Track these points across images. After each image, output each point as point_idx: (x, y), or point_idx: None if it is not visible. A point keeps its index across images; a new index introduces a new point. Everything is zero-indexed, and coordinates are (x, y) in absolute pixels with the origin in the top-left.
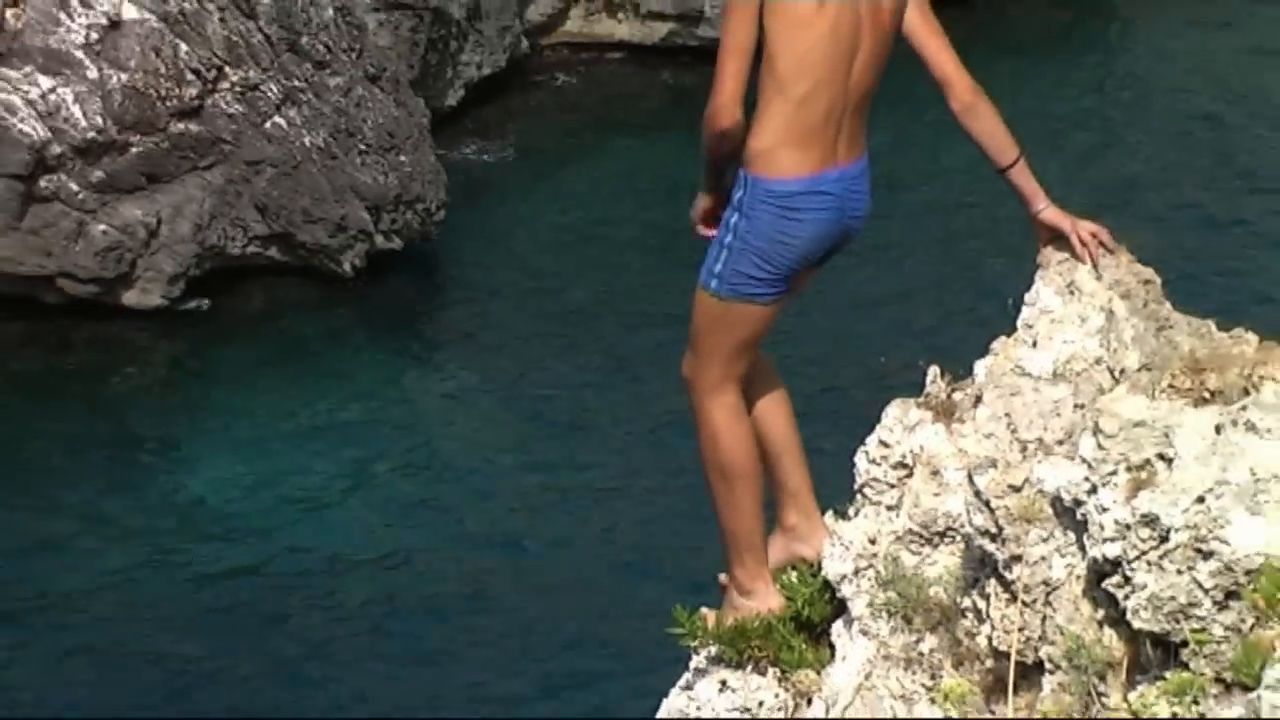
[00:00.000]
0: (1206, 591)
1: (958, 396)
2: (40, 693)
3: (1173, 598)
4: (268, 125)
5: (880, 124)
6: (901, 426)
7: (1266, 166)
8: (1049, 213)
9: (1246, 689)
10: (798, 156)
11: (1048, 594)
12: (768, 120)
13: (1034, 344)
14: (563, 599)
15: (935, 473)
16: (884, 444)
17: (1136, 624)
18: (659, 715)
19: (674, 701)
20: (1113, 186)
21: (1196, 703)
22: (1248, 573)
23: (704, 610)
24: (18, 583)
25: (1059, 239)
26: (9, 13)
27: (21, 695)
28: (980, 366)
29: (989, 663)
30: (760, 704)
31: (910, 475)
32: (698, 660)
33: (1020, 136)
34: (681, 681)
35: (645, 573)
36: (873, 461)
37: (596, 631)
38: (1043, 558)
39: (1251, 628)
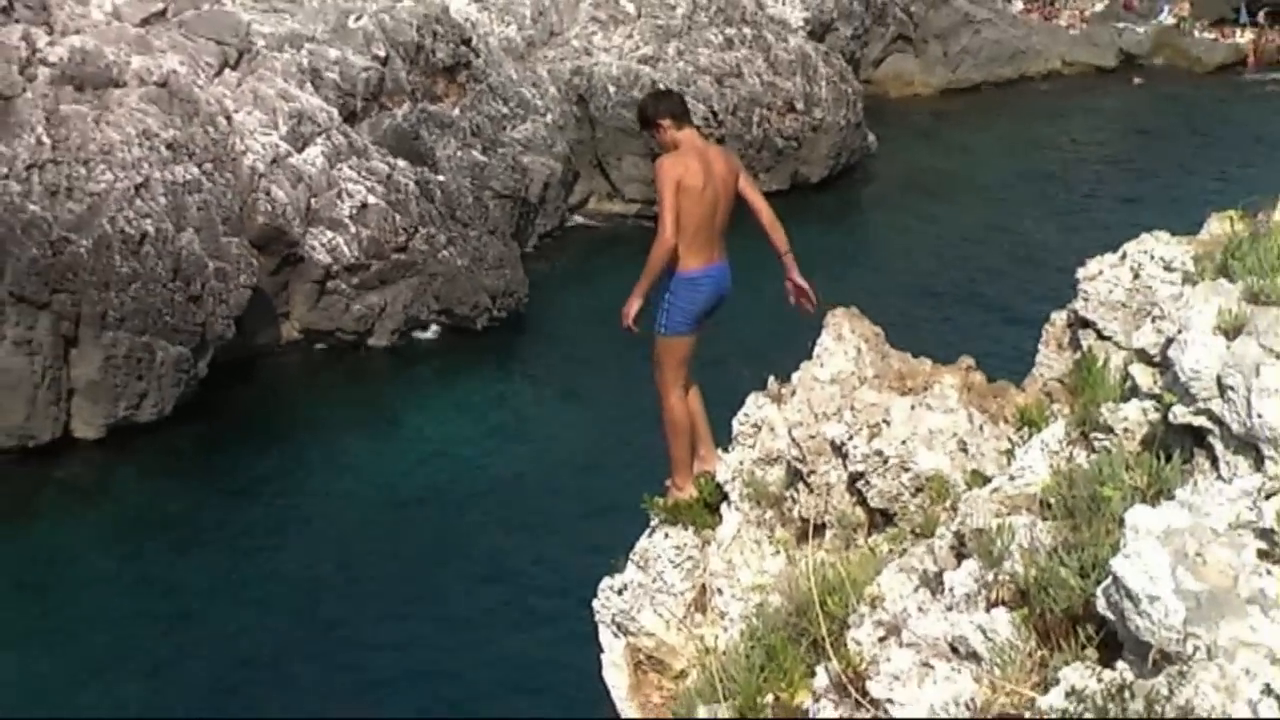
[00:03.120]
0: (907, 488)
1: (784, 391)
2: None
3: (890, 491)
4: (439, 255)
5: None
6: (755, 406)
7: (951, 267)
8: (797, 276)
9: (928, 537)
10: (696, 260)
11: (828, 490)
12: (681, 247)
13: (821, 364)
14: (595, 495)
15: (772, 429)
16: (746, 415)
17: (873, 504)
18: (635, 550)
19: (641, 543)
20: (861, 286)
21: (902, 543)
22: (927, 479)
23: (658, 498)
24: (280, 492)
25: (803, 298)
26: (311, 199)
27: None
28: (795, 376)
29: (799, 524)
30: (685, 544)
31: (760, 430)
32: (654, 523)
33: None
34: (645, 533)
35: (632, 481)
36: (740, 424)
37: (606, 509)
38: (825, 471)
39: (929, 506)
